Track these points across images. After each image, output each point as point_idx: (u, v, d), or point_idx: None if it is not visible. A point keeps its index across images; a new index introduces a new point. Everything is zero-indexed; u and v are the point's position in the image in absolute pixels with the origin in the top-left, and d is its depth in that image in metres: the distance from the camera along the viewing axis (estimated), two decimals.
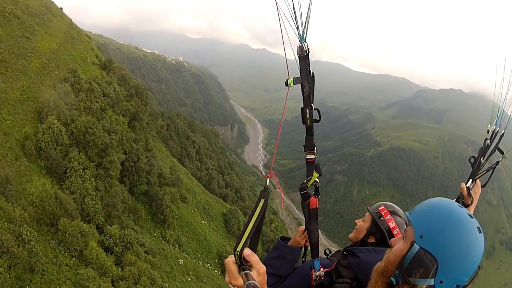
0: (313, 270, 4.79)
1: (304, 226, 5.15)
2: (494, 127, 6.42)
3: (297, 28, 3.56)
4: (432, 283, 2.83)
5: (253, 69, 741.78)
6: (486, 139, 6.37)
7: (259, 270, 2.64)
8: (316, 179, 4.33)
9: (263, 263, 2.89)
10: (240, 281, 2.53)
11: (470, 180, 6.10)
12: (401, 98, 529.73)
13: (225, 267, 2.71)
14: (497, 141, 6.57)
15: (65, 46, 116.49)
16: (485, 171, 6.42)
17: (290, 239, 5.58)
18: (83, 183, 79.90)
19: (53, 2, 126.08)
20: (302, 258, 5.60)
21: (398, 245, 3.14)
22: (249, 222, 2.83)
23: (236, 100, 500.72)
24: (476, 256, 2.83)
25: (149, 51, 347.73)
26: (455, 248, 2.80)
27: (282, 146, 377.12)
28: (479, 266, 2.85)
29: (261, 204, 2.91)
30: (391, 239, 3.39)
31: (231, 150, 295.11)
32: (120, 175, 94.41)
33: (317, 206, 4.55)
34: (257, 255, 2.82)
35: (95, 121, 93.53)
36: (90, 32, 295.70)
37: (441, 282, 2.83)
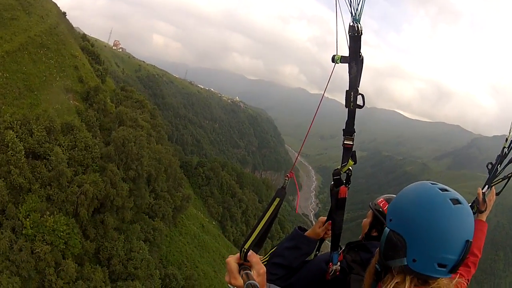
0: (330, 263, 4.11)
1: (324, 217, 4.50)
2: None
3: (351, 7, 3.02)
4: (405, 263, 2.57)
5: (310, 114, 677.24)
6: (504, 147, 5.73)
7: (259, 271, 2.37)
8: (350, 168, 3.64)
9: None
10: (240, 280, 2.31)
11: (486, 186, 5.59)
12: (456, 147, 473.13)
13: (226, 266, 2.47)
14: None
15: (18, 55, 70.71)
16: (501, 179, 5.71)
17: (306, 229, 4.69)
18: None
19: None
20: (316, 252, 4.69)
21: None
22: (261, 220, 2.62)
23: (291, 145, 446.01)
24: (450, 229, 2.49)
25: (205, 88, 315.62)
26: (420, 224, 2.53)
27: None
28: (467, 240, 2.49)
29: (275, 203, 2.69)
30: None
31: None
32: None
33: (346, 196, 3.87)
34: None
35: None
36: (144, 62, 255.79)
37: (414, 260, 2.54)
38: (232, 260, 2.38)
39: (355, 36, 3.06)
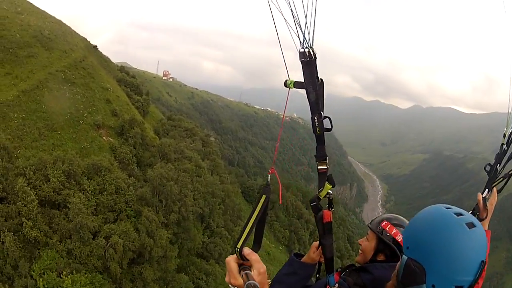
0: (327, 286, 4.00)
1: (317, 242, 4.38)
2: (511, 131, 5.45)
3: (300, 31, 2.80)
4: None
5: (368, 122, 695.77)
6: (503, 144, 5.41)
7: (259, 270, 2.35)
8: (330, 191, 3.42)
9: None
10: (240, 280, 2.28)
11: (486, 190, 5.21)
12: None
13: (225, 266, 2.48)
14: None
15: (36, 94, 62.09)
16: (501, 178, 5.32)
17: (303, 255, 4.75)
18: None
19: (64, 35, 79.86)
20: (316, 275, 4.64)
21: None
22: (250, 219, 2.57)
23: (353, 156, 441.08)
24: (468, 252, 2.52)
25: (261, 108, 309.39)
26: (438, 251, 2.54)
27: (401, 203, 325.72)
28: (482, 261, 2.51)
29: (262, 200, 2.63)
30: None
31: (349, 210, 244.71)
32: None
33: (331, 220, 3.64)
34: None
35: None
36: (196, 89, 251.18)
37: (433, 286, 2.57)
38: (232, 260, 2.34)
39: (307, 61, 2.82)
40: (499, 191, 5.17)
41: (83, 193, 48.17)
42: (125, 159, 61.46)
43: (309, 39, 2.74)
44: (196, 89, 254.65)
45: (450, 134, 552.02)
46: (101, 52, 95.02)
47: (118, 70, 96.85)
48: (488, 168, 5.30)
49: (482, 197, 4.92)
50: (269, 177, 2.75)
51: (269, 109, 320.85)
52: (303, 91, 2.93)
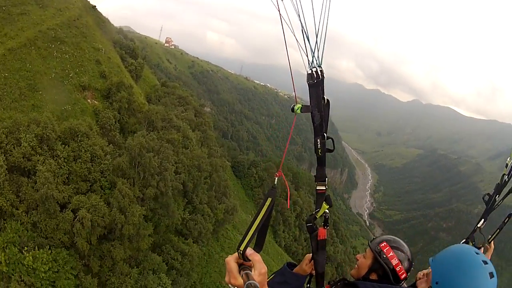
0: None
1: (310, 255, 4.45)
2: None
3: (309, 52, 2.92)
4: None
5: (366, 110, 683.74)
6: (504, 174, 5.34)
7: (260, 270, 2.39)
8: (326, 210, 3.81)
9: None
10: (240, 280, 2.30)
11: (482, 220, 5.32)
12: (509, 146, 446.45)
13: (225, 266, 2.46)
14: None
15: (22, 52, 58.35)
16: (498, 230, 5.52)
17: (296, 265, 4.74)
18: None
19: None
20: (307, 285, 4.70)
21: None
22: (255, 221, 2.59)
23: (347, 141, 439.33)
24: None
25: (261, 83, 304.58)
26: None
27: (390, 194, 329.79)
28: None
29: (267, 203, 2.65)
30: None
31: (337, 195, 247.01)
32: None
33: (325, 237, 4.00)
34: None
35: None
36: (197, 58, 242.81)
37: None
38: (232, 259, 2.37)
39: (314, 83, 2.98)
40: (490, 240, 5.21)
41: (55, 160, 44.92)
42: (107, 124, 58.11)
43: (317, 57, 2.81)
44: (197, 58, 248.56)
45: (446, 133, 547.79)
46: (100, 13, 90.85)
47: (116, 32, 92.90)
48: (486, 198, 5.19)
49: (477, 227, 5.00)
50: (276, 180, 2.75)
51: (268, 85, 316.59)
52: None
